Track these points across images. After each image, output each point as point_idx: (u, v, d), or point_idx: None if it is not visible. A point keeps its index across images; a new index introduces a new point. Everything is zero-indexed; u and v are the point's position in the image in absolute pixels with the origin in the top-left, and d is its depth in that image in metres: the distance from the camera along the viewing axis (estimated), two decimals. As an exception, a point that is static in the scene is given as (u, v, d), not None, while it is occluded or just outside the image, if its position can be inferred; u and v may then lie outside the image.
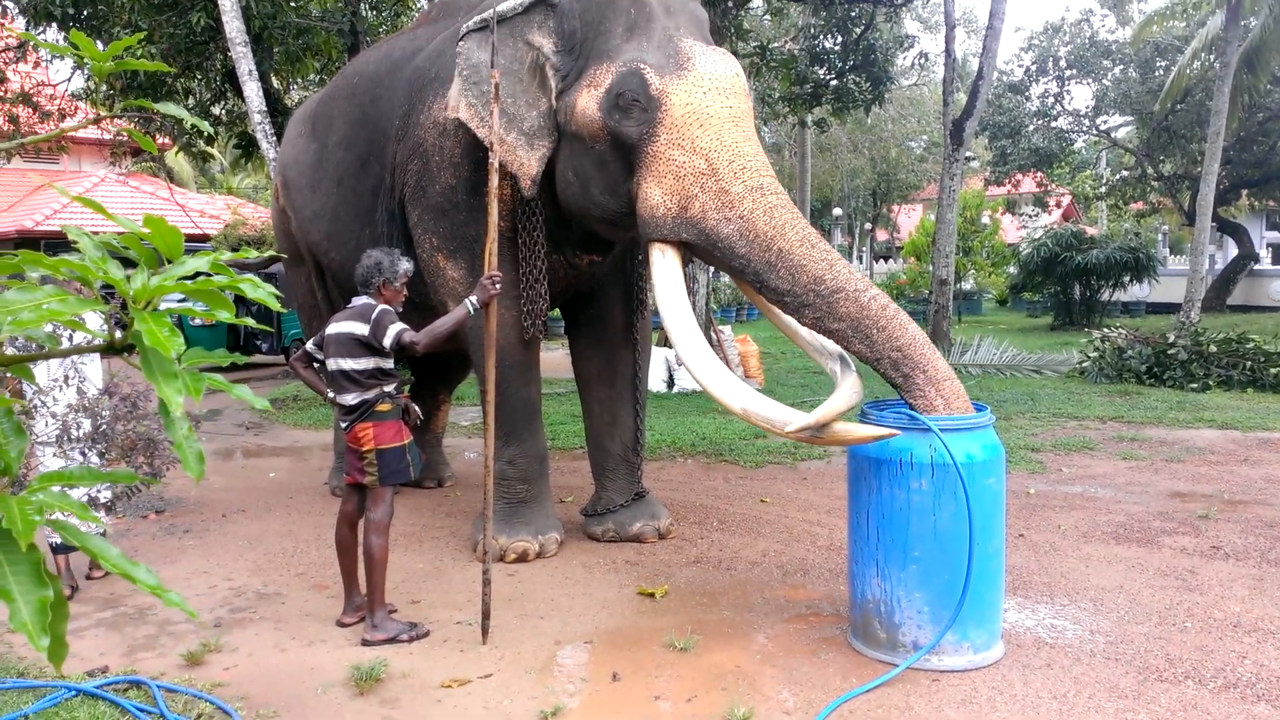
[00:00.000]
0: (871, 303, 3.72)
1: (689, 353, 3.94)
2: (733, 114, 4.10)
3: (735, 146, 4.01)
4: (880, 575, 3.56)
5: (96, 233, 1.08)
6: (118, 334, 0.95)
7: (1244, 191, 23.05)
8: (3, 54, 12.23)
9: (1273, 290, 22.90)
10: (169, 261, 0.95)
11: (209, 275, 0.97)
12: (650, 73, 4.11)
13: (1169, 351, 10.94)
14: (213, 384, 0.95)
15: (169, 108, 1.25)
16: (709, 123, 4.04)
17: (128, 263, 1.06)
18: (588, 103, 4.26)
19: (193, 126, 1.44)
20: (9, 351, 0.98)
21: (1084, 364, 11.73)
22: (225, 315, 0.98)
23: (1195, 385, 10.44)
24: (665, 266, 4.12)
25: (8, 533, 0.79)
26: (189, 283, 0.93)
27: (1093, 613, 4.06)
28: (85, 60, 1.31)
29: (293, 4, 11.67)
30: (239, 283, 0.96)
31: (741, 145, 4.04)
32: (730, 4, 11.38)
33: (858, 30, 13.75)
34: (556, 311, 5.64)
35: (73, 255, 0.95)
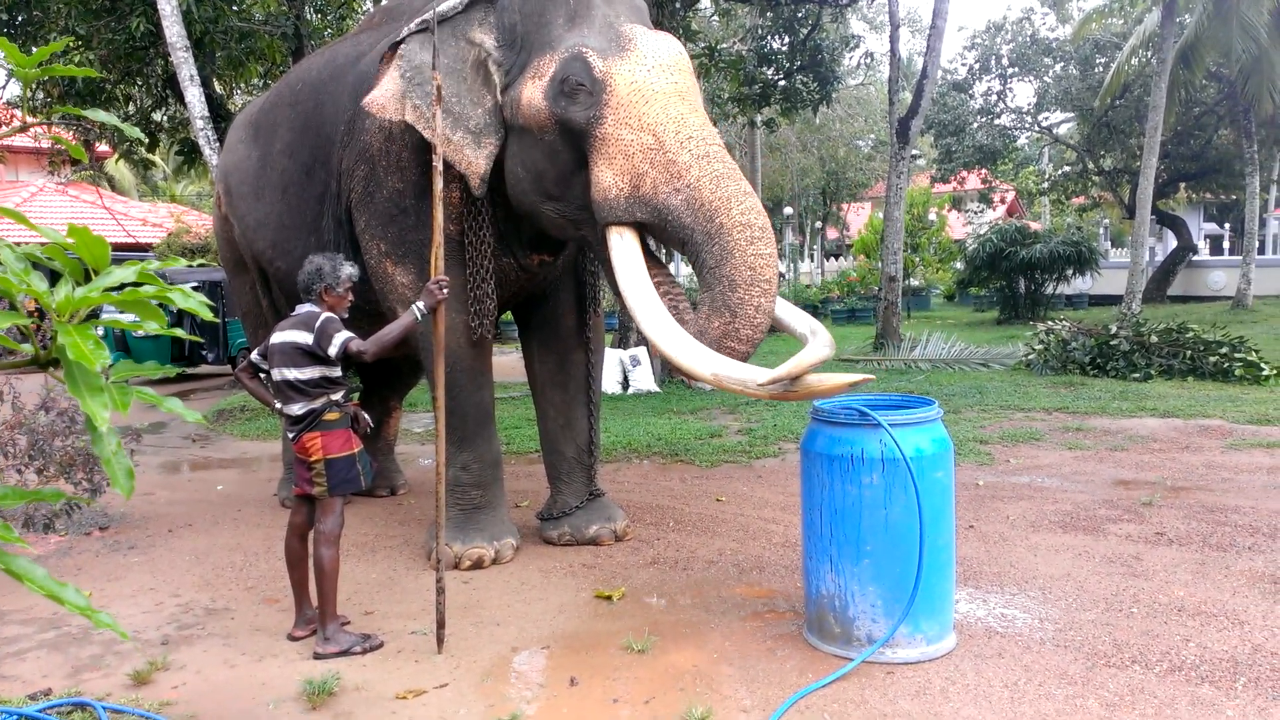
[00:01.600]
0: (731, 352, 3.81)
1: (654, 328, 3.90)
2: (678, 89, 4.12)
3: (681, 118, 4.03)
4: (834, 570, 3.59)
5: (23, 244, 1.05)
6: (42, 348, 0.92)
7: (1182, 184, 23.70)
8: (-69, 61, 11.87)
9: (1211, 280, 23.55)
10: (96, 272, 0.93)
11: (137, 285, 0.95)
12: (593, 56, 4.11)
13: (1111, 342, 11.19)
14: (141, 397, 0.92)
15: (101, 115, 1.21)
16: (654, 98, 4.04)
17: (55, 274, 1.04)
18: (533, 93, 4.25)
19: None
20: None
21: (1030, 356, 11.97)
22: (154, 326, 0.96)
23: (1137, 375, 10.69)
24: (623, 248, 4.09)
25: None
26: (116, 294, 0.91)
27: (1042, 601, 4.14)
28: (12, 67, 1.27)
29: (235, 8, 11.49)
30: (167, 292, 0.94)
31: (688, 117, 4.05)
32: (678, 5, 11.41)
33: (804, 31, 13.87)
34: (509, 315, 5.61)
35: (-7, 269, 0.92)
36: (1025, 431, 7.88)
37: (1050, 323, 12.44)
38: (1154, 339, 11.07)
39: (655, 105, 4.03)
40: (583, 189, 4.23)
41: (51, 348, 0.86)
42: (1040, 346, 11.86)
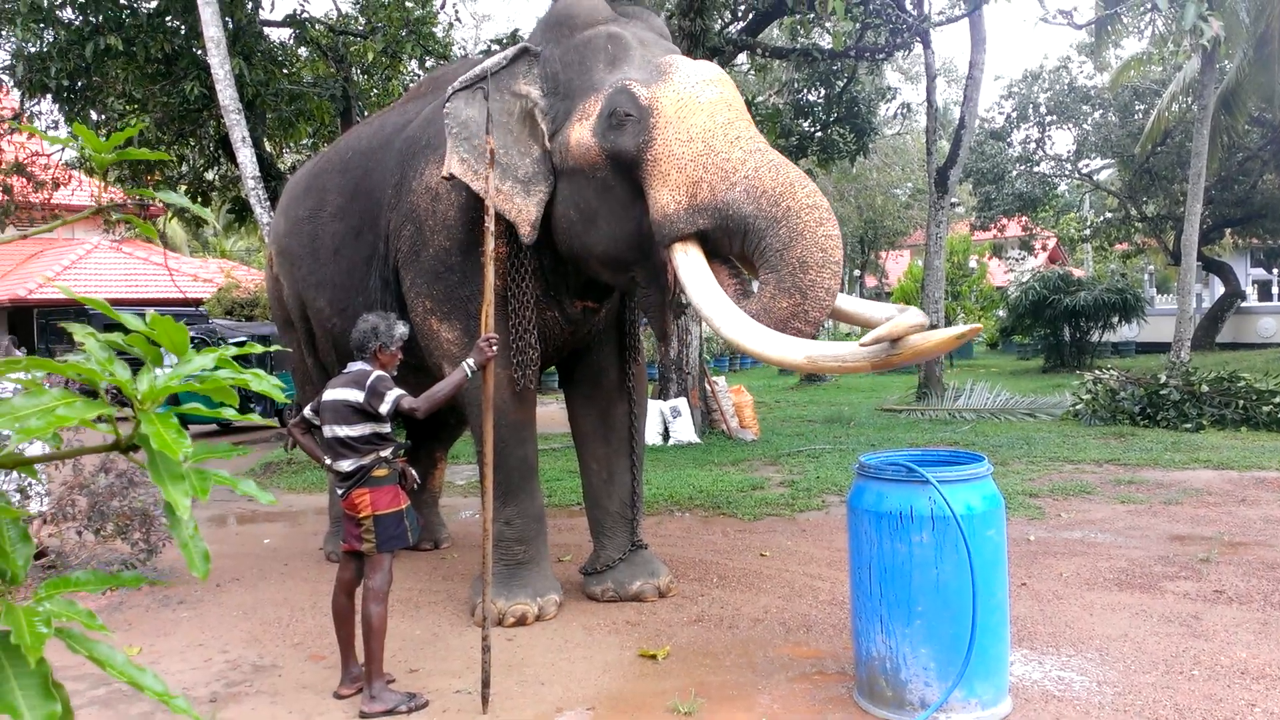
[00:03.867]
0: (799, 331, 3.77)
1: (735, 329, 3.85)
2: (723, 98, 4.20)
3: (729, 122, 4.09)
4: (885, 631, 3.52)
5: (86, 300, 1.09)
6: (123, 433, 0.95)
7: (1228, 230, 23.33)
8: (-2, 126, 12.34)
9: (1261, 327, 23.09)
10: (175, 357, 0.96)
11: (214, 371, 0.98)
12: (637, 86, 4.22)
13: (1161, 392, 10.98)
14: (220, 481, 0.95)
15: (173, 197, 1.26)
16: (700, 109, 4.11)
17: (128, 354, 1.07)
18: (581, 133, 4.33)
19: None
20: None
21: (1077, 406, 11.77)
22: (231, 412, 0.98)
23: (1189, 425, 10.46)
24: (689, 263, 4.07)
25: (15, 646, 0.78)
26: (196, 381, 0.94)
27: (1099, 663, 4.03)
28: (87, 150, 1.33)
29: (285, 71, 11.85)
30: (245, 377, 0.97)
31: (735, 120, 4.12)
32: (714, 61, 11.57)
33: (840, 83, 14.01)
34: (552, 368, 5.65)
35: (77, 355, 0.96)
36: (1076, 484, 7.73)
37: (1097, 371, 12.25)
38: (1205, 388, 10.85)
39: (702, 114, 4.10)
40: (636, 222, 4.27)
41: (133, 434, 0.89)
42: (1088, 396, 11.67)
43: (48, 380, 1.02)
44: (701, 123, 4.08)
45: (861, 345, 3.52)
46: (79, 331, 0.97)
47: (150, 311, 0.99)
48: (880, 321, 3.82)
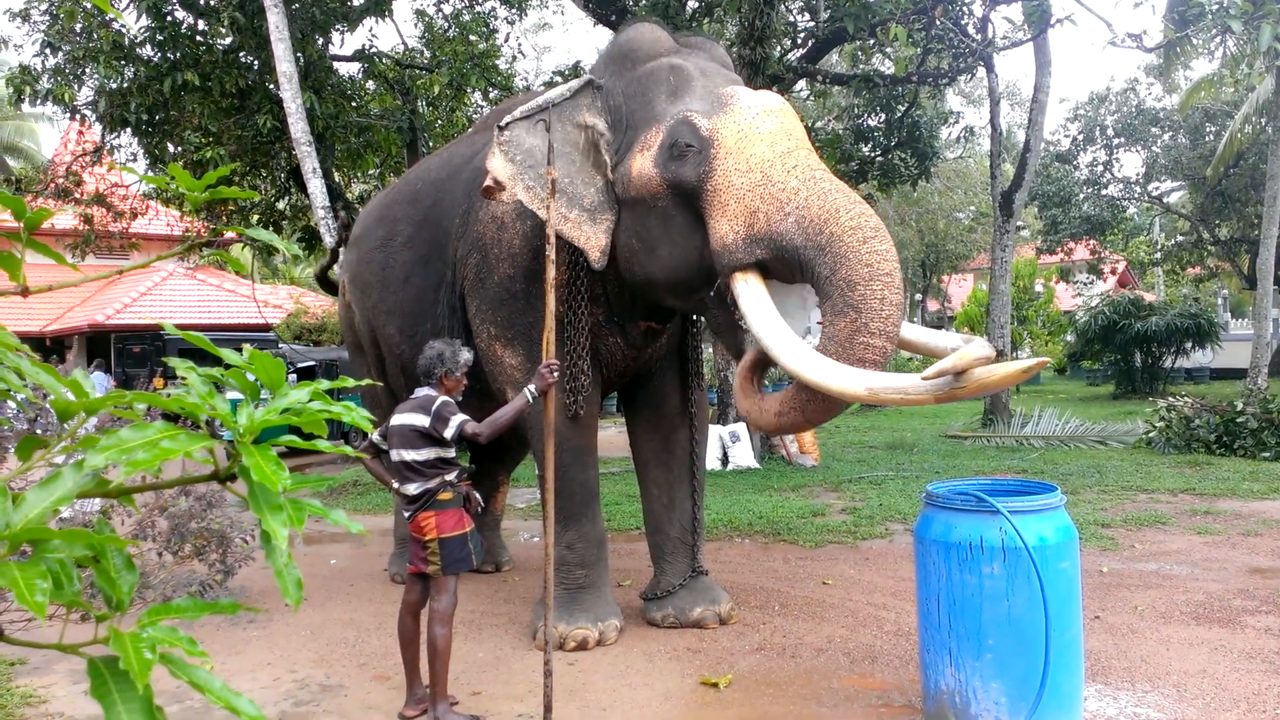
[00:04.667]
0: (865, 350, 3.70)
1: (794, 360, 3.83)
2: (784, 128, 4.21)
3: (788, 152, 4.10)
4: (954, 664, 3.46)
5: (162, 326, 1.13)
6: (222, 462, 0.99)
7: (1305, 253, 22.57)
8: (80, 158, 12.84)
9: (1341, 352, 22.22)
10: (271, 392, 1.00)
11: (308, 404, 1.02)
12: (698, 117, 4.25)
13: (1238, 419, 10.65)
14: (314, 511, 0.98)
15: (264, 235, 1.31)
16: (760, 139, 4.13)
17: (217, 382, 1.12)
18: (643, 164, 4.38)
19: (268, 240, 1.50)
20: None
21: (1150, 434, 11.46)
22: (324, 445, 1.02)
23: (1268, 454, 10.12)
24: (749, 292, 4.07)
25: (123, 671, 0.82)
26: (292, 415, 0.98)
27: (1177, 700, 3.90)
28: (181, 190, 1.39)
29: (354, 104, 12.16)
30: (338, 409, 1.01)
31: (795, 150, 4.11)
32: (775, 89, 11.60)
33: (901, 108, 13.91)
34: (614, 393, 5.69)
35: (179, 388, 1.00)
36: (1150, 514, 7.51)
37: (1171, 398, 11.92)
38: (1284, 416, 10.49)
39: (762, 145, 4.11)
40: (698, 250, 4.29)
41: (231, 465, 0.93)
42: (1161, 424, 11.35)
43: (149, 414, 1.07)
44: (761, 153, 4.10)
45: (924, 379, 3.47)
46: (180, 367, 1.02)
47: (248, 347, 1.04)
48: (944, 351, 3.79)
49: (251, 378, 1.00)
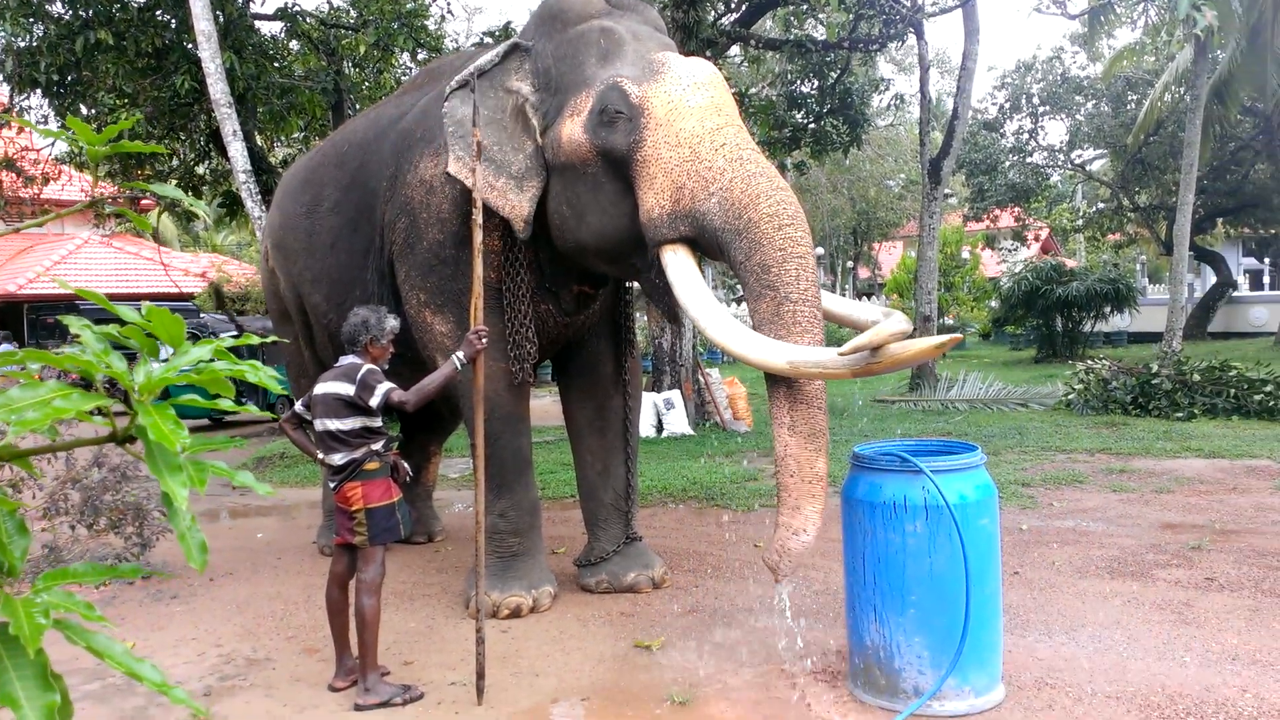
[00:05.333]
0: (792, 318, 3.73)
1: (720, 332, 3.88)
2: (714, 102, 4.17)
3: (717, 129, 4.07)
4: (878, 620, 3.54)
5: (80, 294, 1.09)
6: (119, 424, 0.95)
7: (1219, 220, 23.41)
8: (-15, 120, 12.27)
9: (1253, 316, 23.19)
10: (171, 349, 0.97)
11: (211, 362, 0.98)
12: (629, 84, 4.20)
13: (1153, 381, 11.03)
14: (216, 472, 0.95)
15: (168, 190, 1.26)
16: (690, 113, 4.10)
17: (121, 346, 1.07)
18: (573, 129, 4.33)
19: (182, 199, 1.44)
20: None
21: (1069, 396, 11.81)
22: (227, 403, 0.99)
23: (1180, 414, 10.51)
24: (678, 264, 4.09)
25: (14, 637, 0.78)
26: (193, 373, 0.94)
27: (1092, 650, 4.05)
28: (80, 143, 1.33)
29: (276, 65, 11.80)
30: (241, 368, 0.97)
31: (724, 127, 4.09)
32: (708, 53, 11.55)
33: (833, 75, 13.98)
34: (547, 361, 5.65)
35: (74, 348, 0.96)
36: (1068, 474, 7.76)
37: (1090, 361, 12.29)
38: (1196, 377, 10.90)
39: (691, 119, 4.09)
40: (629, 217, 4.27)
41: (129, 426, 0.89)
42: (1080, 386, 11.71)
43: (42, 373, 1.02)
44: (690, 127, 4.07)
45: (840, 354, 3.53)
46: (75, 324, 0.97)
47: (146, 304, 1.00)
48: (866, 324, 3.89)
49: (151, 336, 0.97)
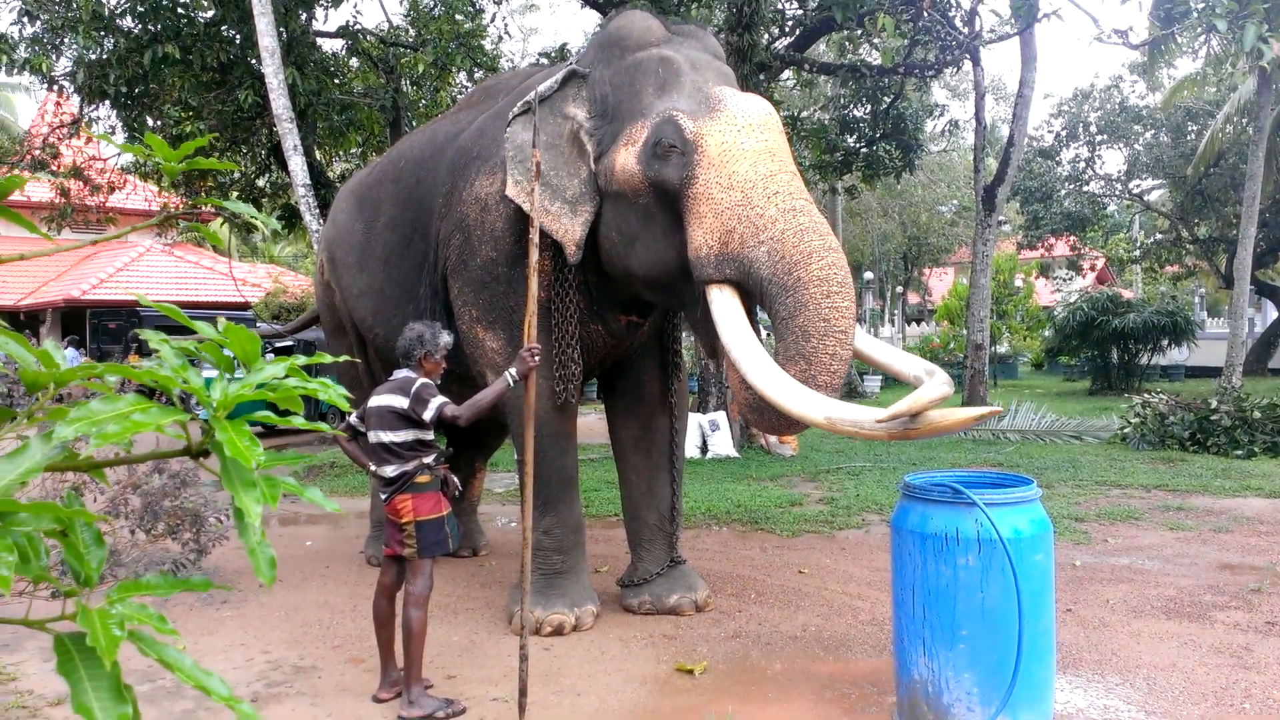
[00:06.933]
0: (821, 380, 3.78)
1: (761, 379, 3.85)
2: (768, 147, 4.17)
3: (770, 175, 4.07)
4: (927, 654, 3.48)
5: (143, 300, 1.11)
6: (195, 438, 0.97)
7: (1280, 254, 22.83)
8: (57, 130, 12.66)
9: (1315, 353, 22.52)
10: (245, 366, 0.98)
11: (284, 380, 1.00)
12: (684, 118, 4.21)
13: (1212, 417, 10.75)
14: (288, 489, 0.96)
15: (242, 207, 1.29)
16: (744, 157, 4.10)
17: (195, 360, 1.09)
18: (626, 159, 4.35)
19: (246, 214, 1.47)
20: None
21: (1125, 430, 11.55)
22: (299, 420, 1.00)
23: (1240, 452, 10.23)
24: (723, 304, 4.09)
25: (90, 648, 0.80)
26: (267, 390, 0.96)
27: (1146, 692, 3.94)
28: (158, 162, 1.36)
29: (336, 81, 12.04)
30: (313, 386, 0.99)
31: (777, 174, 4.09)
32: (762, 76, 11.57)
33: (887, 99, 13.93)
34: (593, 380, 5.67)
35: (151, 362, 0.98)
36: (1123, 510, 7.58)
37: (1146, 395, 12.02)
38: (1257, 414, 10.59)
39: (745, 163, 4.09)
40: (677, 250, 4.28)
41: (204, 440, 0.91)
42: (1136, 420, 11.45)
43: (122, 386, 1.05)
44: (744, 171, 4.07)
45: (878, 422, 3.51)
46: (153, 339, 0.99)
47: (222, 319, 1.02)
48: (899, 373, 3.92)
49: (227, 352, 0.98)
